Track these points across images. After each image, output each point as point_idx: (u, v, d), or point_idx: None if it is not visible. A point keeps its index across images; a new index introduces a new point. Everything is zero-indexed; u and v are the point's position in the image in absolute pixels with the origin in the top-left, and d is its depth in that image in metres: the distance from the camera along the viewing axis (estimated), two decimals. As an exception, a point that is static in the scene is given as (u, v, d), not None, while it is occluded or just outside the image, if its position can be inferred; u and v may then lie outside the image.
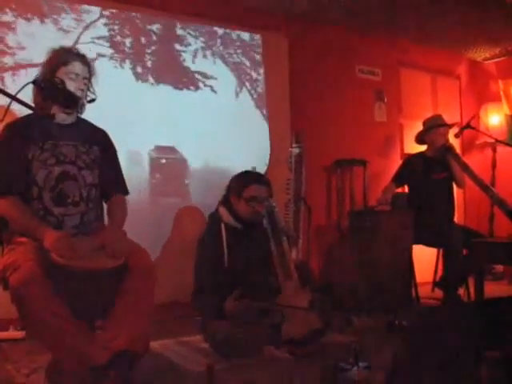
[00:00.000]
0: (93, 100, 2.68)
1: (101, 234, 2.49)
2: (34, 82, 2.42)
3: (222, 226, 3.23)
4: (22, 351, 3.09)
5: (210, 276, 3.12)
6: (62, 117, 2.59)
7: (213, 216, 3.36)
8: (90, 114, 2.75)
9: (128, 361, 2.33)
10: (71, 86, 2.53)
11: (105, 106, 3.76)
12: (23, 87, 2.30)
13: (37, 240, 2.35)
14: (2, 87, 2.22)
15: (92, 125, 2.77)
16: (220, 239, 3.18)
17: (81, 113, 2.70)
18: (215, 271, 3.12)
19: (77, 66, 2.57)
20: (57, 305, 2.22)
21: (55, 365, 2.39)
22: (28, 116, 2.58)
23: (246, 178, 3.29)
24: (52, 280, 2.22)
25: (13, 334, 3.38)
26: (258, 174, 3.36)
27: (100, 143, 2.71)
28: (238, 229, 3.25)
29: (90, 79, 2.66)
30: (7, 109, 2.22)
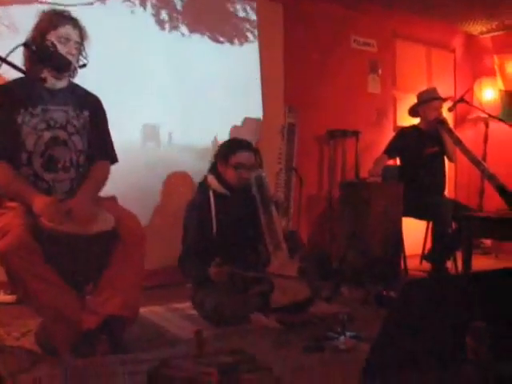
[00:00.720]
0: (84, 65, 2.63)
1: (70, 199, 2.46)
2: (24, 45, 2.38)
3: (211, 193, 3.24)
4: (12, 315, 3.11)
5: (196, 241, 3.14)
6: (52, 81, 2.55)
7: (201, 184, 3.38)
8: (96, 73, 2.61)
9: (118, 326, 2.36)
10: (62, 50, 2.47)
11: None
12: (14, 49, 2.26)
13: (26, 205, 2.34)
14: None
15: (84, 90, 2.73)
16: (208, 206, 3.20)
17: (73, 77, 2.66)
18: (202, 237, 3.15)
19: (67, 30, 2.51)
20: (46, 270, 2.24)
21: (45, 329, 2.42)
22: (17, 80, 2.53)
23: (233, 145, 3.30)
24: (41, 245, 2.23)
25: (3, 297, 3.39)
26: (245, 141, 3.36)
27: (90, 108, 2.67)
28: (227, 196, 3.27)
29: (81, 43, 2.60)
30: (-3, 71, 2.19)
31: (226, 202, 3.24)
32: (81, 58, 2.60)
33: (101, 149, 2.70)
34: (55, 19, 2.51)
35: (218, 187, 3.26)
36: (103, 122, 2.75)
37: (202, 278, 3.06)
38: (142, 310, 2.81)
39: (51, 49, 2.43)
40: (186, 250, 3.20)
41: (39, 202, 2.31)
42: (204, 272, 3.01)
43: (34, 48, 2.39)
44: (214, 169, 3.33)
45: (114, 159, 2.76)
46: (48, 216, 2.26)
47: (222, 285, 3.00)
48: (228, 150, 3.27)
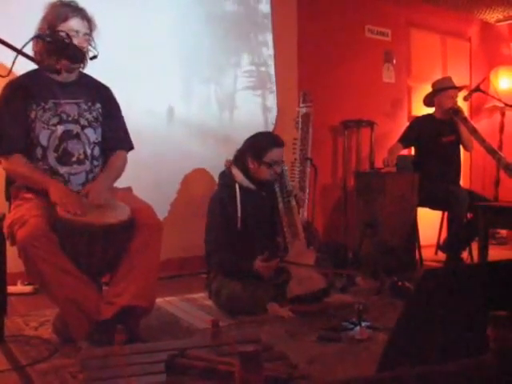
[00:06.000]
0: (95, 57, 2.59)
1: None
2: (39, 36, 2.38)
3: (237, 186, 3.19)
4: (30, 305, 3.14)
5: (224, 235, 3.12)
6: (64, 75, 2.53)
7: (225, 175, 3.30)
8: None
9: (134, 316, 2.37)
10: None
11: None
12: (29, 41, 2.27)
13: (43, 192, 2.35)
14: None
15: (95, 81, 2.72)
16: (234, 200, 3.15)
17: (83, 69, 2.65)
18: (228, 230, 3.12)
19: (76, 23, 2.48)
20: (62, 260, 2.25)
21: (62, 318, 2.44)
22: (29, 74, 2.53)
23: (266, 142, 3.23)
24: (58, 235, 2.25)
25: (21, 288, 3.42)
26: (278, 138, 3.30)
27: (102, 99, 2.67)
28: (252, 190, 3.24)
29: (90, 34, 2.56)
30: (13, 64, 2.19)
31: (250, 196, 3.21)
32: (90, 49, 2.57)
33: (117, 139, 2.70)
34: (63, 12, 2.48)
35: (245, 181, 3.22)
36: (116, 112, 2.75)
37: (234, 271, 3.04)
38: (158, 301, 2.82)
39: (66, 40, 2.42)
40: (214, 244, 3.14)
41: (56, 191, 2.33)
42: (248, 266, 3.00)
43: (48, 40, 2.38)
44: (239, 162, 3.26)
45: (130, 147, 2.77)
46: (64, 206, 2.27)
47: (238, 274, 3.01)
48: (262, 147, 3.20)
